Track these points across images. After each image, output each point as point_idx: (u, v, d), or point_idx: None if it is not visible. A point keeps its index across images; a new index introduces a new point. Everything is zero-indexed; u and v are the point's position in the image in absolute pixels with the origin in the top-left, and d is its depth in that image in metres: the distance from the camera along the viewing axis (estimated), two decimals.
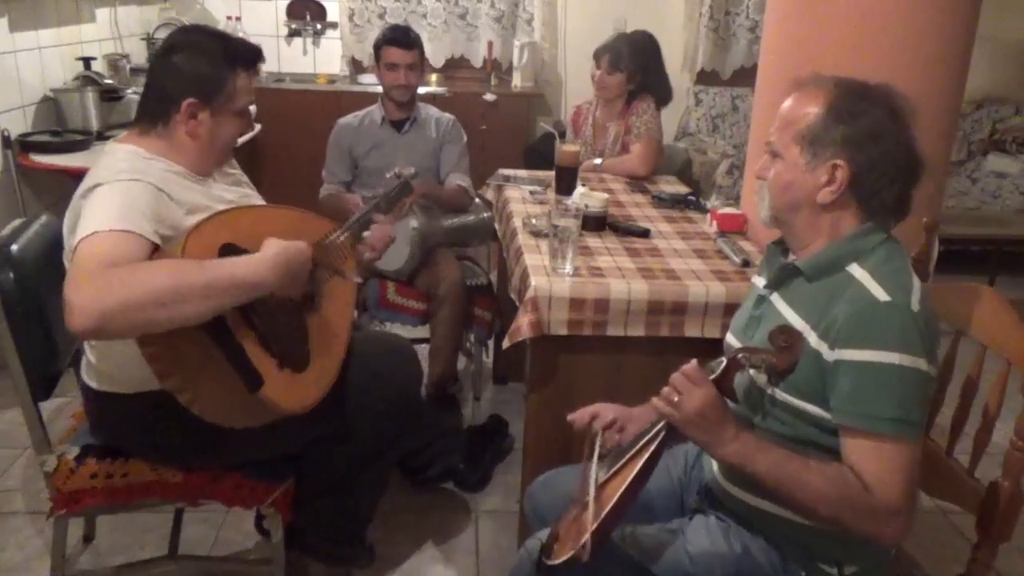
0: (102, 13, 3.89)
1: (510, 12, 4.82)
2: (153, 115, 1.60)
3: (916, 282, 1.25)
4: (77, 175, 3.21)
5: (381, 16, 4.74)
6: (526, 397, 2.00)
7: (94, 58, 3.62)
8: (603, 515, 1.24)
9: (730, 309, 1.81)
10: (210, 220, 1.49)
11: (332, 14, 4.78)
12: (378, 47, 2.85)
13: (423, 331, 2.74)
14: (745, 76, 4.76)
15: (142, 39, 4.32)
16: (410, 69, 2.81)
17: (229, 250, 1.46)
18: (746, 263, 1.98)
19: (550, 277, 1.84)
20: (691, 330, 1.84)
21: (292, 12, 4.78)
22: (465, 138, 3.00)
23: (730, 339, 1.47)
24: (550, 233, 1.88)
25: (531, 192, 2.61)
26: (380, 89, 2.94)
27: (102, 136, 3.32)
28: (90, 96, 3.34)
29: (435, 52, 4.77)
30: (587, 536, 1.23)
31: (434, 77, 4.62)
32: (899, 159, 1.26)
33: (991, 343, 1.47)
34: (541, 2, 4.76)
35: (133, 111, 3.50)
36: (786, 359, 1.23)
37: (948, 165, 2.26)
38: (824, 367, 1.22)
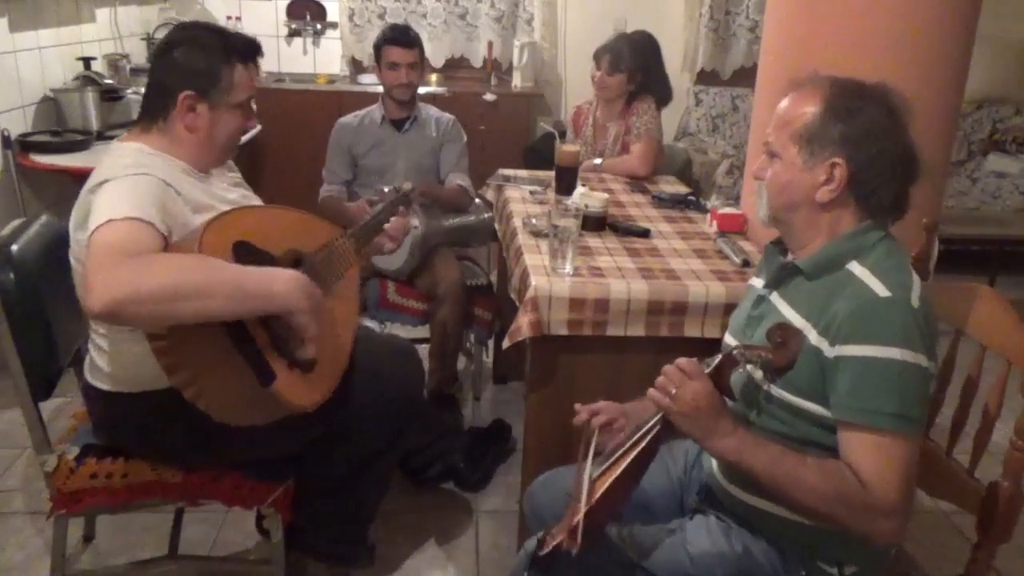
0: (102, 13, 3.89)
1: (510, 12, 4.82)
2: (153, 111, 1.61)
3: (916, 279, 1.25)
4: (77, 175, 3.25)
5: (381, 16, 4.74)
6: (526, 397, 2.00)
7: (94, 58, 3.62)
8: (592, 503, 1.25)
9: (730, 309, 1.81)
10: (224, 216, 1.50)
11: (332, 14, 4.78)
12: (378, 47, 2.86)
13: (423, 331, 2.74)
14: (745, 76, 4.76)
15: (142, 39, 4.32)
16: (411, 68, 2.81)
17: (243, 247, 1.47)
18: (746, 263, 1.98)
19: (550, 277, 1.84)
20: (691, 330, 1.84)
21: (292, 12, 4.78)
22: (465, 138, 3.00)
23: (728, 340, 1.47)
24: (550, 233, 1.88)
25: (531, 192, 2.61)
26: (380, 89, 2.94)
27: (102, 136, 3.32)
28: (90, 96, 3.34)
29: (435, 52, 4.77)
30: (575, 522, 1.24)
31: (434, 77, 4.62)
32: (897, 156, 1.26)
33: (991, 343, 1.47)
34: (541, 2, 4.76)
35: (133, 111, 3.55)
36: (783, 356, 1.23)
37: (948, 165, 2.26)
38: (824, 364, 1.23)
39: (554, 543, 1.28)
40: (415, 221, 2.60)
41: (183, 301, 1.30)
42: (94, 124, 3.34)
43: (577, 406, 1.52)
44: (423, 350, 2.39)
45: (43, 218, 1.87)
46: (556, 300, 1.80)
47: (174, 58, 1.59)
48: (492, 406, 2.96)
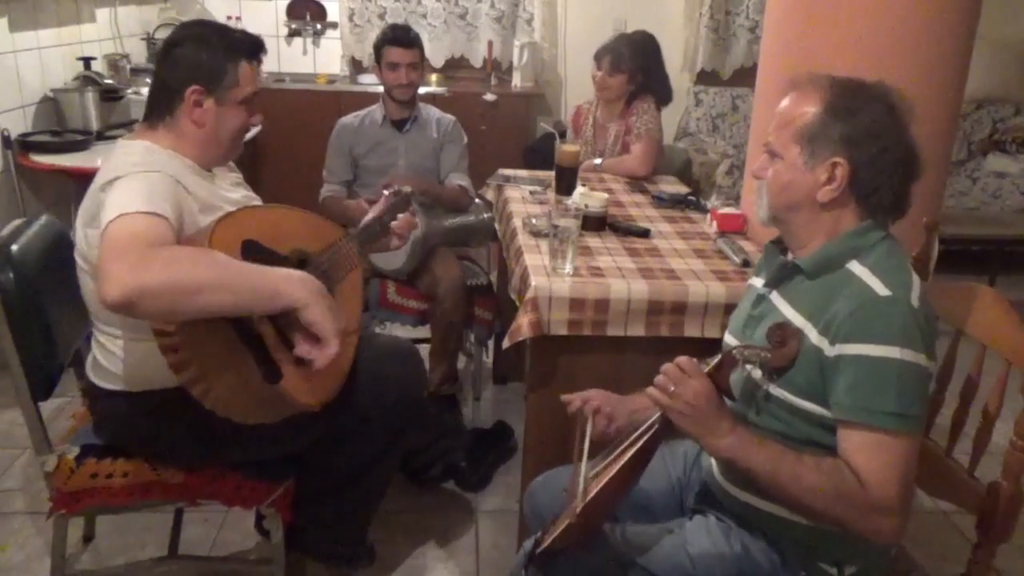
0: (102, 13, 3.89)
1: (510, 12, 4.82)
2: (160, 108, 1.62)
3: (915, 279, 1.25)
4: (77, 175, 3.25)
5: (381, 16, 4.74)
6: (526, 397, 2.00)
7: (94, 58, 3.62)
8: (588, 499, 1.25)
9: (730, 309, 1.81)
10: (233, 215, 1.52)
11: (332, 14, 4.78)
12: (379, 47, 2.86)
13: (423, 331, 2.74)
14: (745, 76, 4.76)
15: (142, 39, 4.32)
16: (411, 68, 2.81)
17: (251, 245, 1.48)
18: (746, 263, 1.98)
19: (550, 277, 1.84)
20: (691, 330, 1.84)
21: (292, 12, 4.78)
22: (466, 139, 3.00)
23: (728, 339, 1.48)
24: (550, 233, 1.88)
25: (531, 192, 2.61)
26: (380, 89, 2.94)
27: (102, 136, 3.32)
28: (90, 96, 3.34)
29: (435, 52, 4.77)
30: (569, 521, 1.24)
31: (434, 77, 4.62)
32: (898, 156, 1.26)
33: (991, 343, 1.47)
34: (541, 2, 4.76)
35: (133, 111, 3.56)
36: (782, 356, 1.24)
37: (948, 165, 2.25)
38: (824, 363, 1.23)
39: (551, 540, 1.28)
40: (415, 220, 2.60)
41: (198, 295, 1.31)
42: (94, 124, 3.34)
43: (564, 397, 1.52)
44: (423, 350, 2.38)
45: (43, 218, 1.87)
46: (556, 300, 1.80)
47: (180, 55, 1.60)
48: (492, 406, 2.96)
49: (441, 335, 2.65)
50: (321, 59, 4.87)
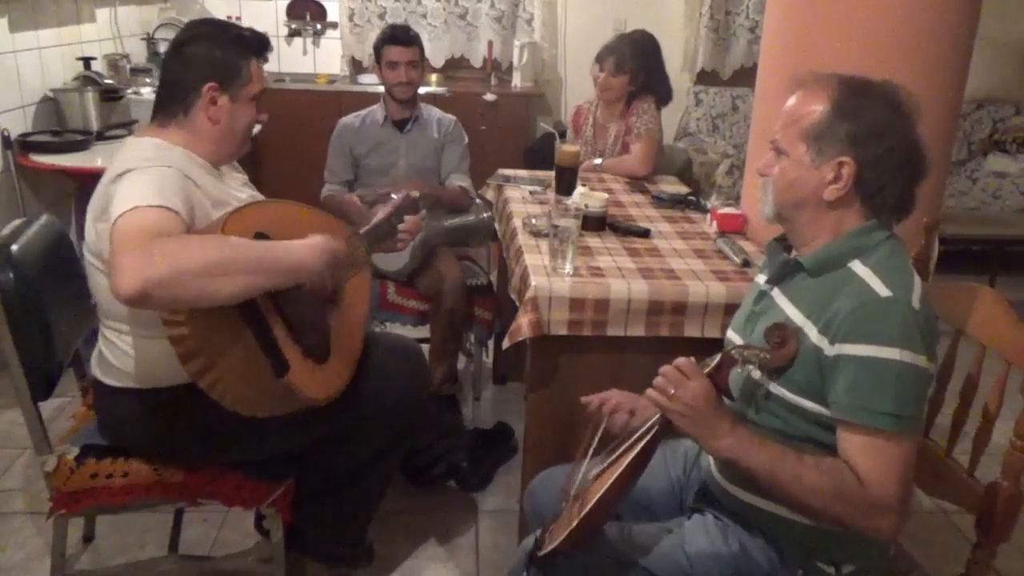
0: (102, 13, 3.89)
1: (510, 12, 4.82)
2: (173, 106, 1.62)
3: (917, 280, 1.25)
4: (77, 175, 3.25)
5: (381, 16, 4.74)
6: (526, 397, 2.00)
7: (94, 58, 3.62)
8: (591, 504, 1.26)
9: (730, 309, 1.81)
10: (244, 209, 1.54)
11: (332, 14, 4.78)
12: (378, 47, 2.86)
13: (423, 331, 2.74)
14: (745, 76, 4.76)
15: (142, 39, 4.32)
16: (411, 67, 2.81)
17: (261, 238, 1.49)
18: (746, 263, 1.98)
19: (550, 277, 1.84)
20: (691, 330, 1.84)
21: (292, 12, 4.78)
22: (466, 139, 3.00)
23: (731, 335, 1.48)
24: (550, 233, 1.88)
25: (531, 192, 2.61)
26: (381, 89, 2.94)
27: (102, 136, 3.32)
28: (90, 96, 3.34)
29: (435, 52, 4.77)
30: (574, 524, 1.24)
31: (434, 77, 4.62)
32: (904, 155, 1.26)
33: (991, 343, 1.47)
34: (541, 2, 4.76)
35: (133, 111, 3.56)
36: (780, 356, 1.24)
37: (948, 165, 2.26)
38: (824, 362, 1.23)
39: (552, 545, 1.28)
40: (394, 196, 2.60)
41: (214, 280, 1.32)
42: (94, 124, 3.34)
43: (584, 399, 1.53)
44: (423, 350, 2.39)
45: (43, 218, 1.87)
46: (556, 300, 1.80)
47: (193, 53, 1.61)
48: (492, 406, 2.96)
49: (441, 335, 2.65)
50: (321, 59, 4.87)
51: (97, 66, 3.64)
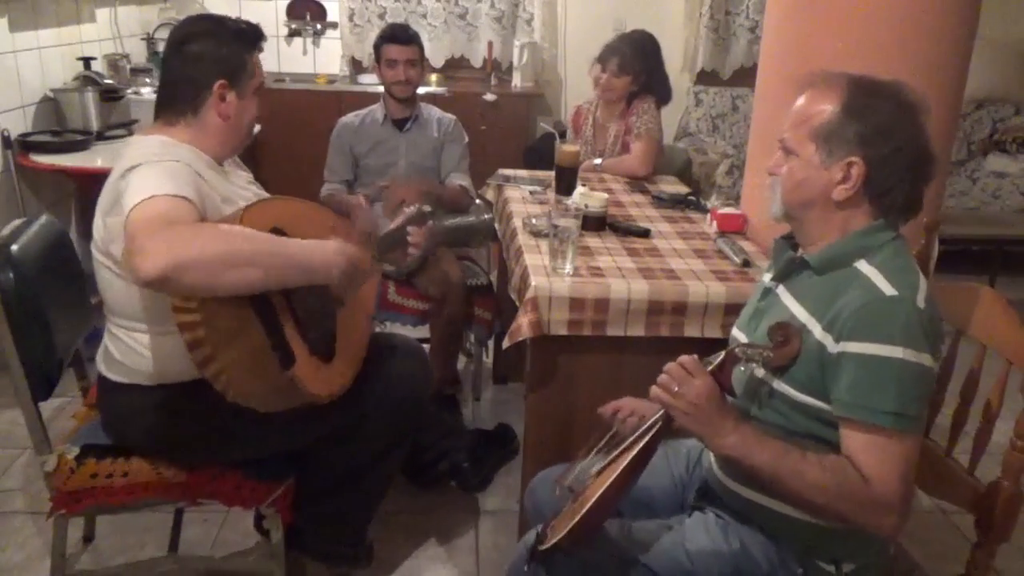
0: (102, 13, 3.89)
1: (510, 12, 4.82)
2: (181, 105, 1.62)
3: (922, 280, 1.26)
4: (77, 175, 3.26)
5: (381, 16, 4.74)
6: (526, 397, 2.00)
7: (94, 58, 3.62)
8: (593, 501, 1.26)
9: (730, 309, 1.82)
10: (261, 203, 1.56)
11: (332, 14, 4.78)
12: (377, 46, 2.87)
13: (423, 331, 2.74)
14: (745, 76, 4.76)
15: (142, 39, 4.32)
16: (410, 65, 2.82)
17: (277, 233, 1.50)
18: (746, 263, 1.98)
19: (550, 277, 1.84)
20: (691, 330, 1.84)
21: (292, 12, 4.78)
22: (466, 139, 3.00)
23: (735, 332, 1.48)
24: (550, 233, 1.89)
25: (531, 192, 2.61)
26: (381, 89, 2.95)
27: (102, 136, 3.32)
28: (90, 96, 3.34)
29: (435, 52, 4.77)
30: (575, 521, 1.25)
31: (434, 77, 4.62)
32: (912, 156, 1.27)
33: (991, 343, 1.47)
34: (541, 2, 4.76)
35: (133, 111, 3.56)
36: (783, 355, 1.25)
37: (948, 165, 2.26)
38: (827, 359, 1.23)
39: (553, 541, 1.29)
40: (406, 210, 2.60)
41: (236, 270, 1.33)
42: (94, 124, 3.34)
43: (600, 409, 1.56)
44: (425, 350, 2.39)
45: (43, 218, 1.87)
46: (556, 300, 1.80)
47: (198, 50, 1.61)
48: (492, 406, 2.96)
49: (441, 335, 2.65)
50: (321, 59, 4.87)
51: (97, 66, 3.64)
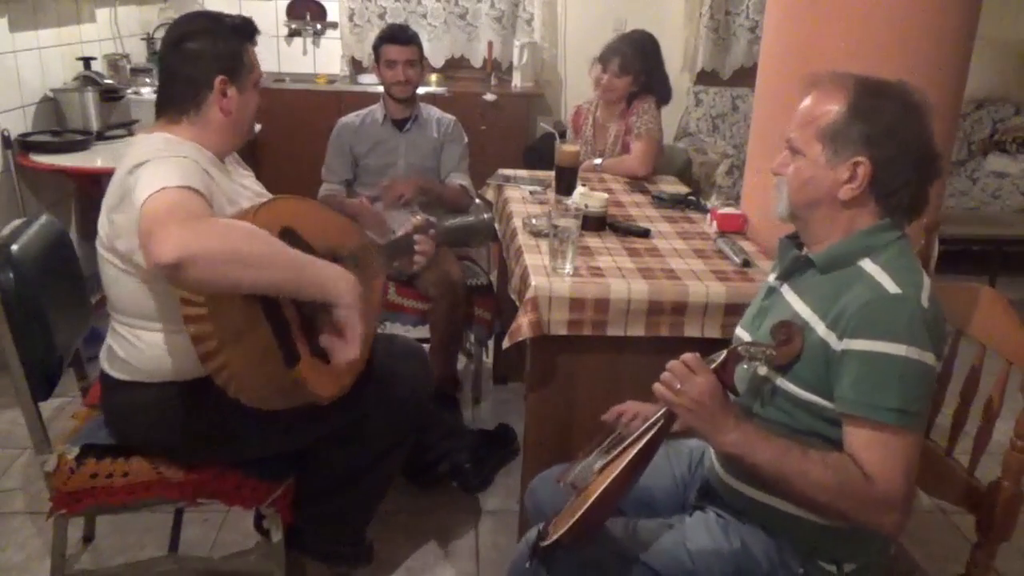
0: (102, 13, 3.89)
1: (510, 12, 4.82)
2: (183, 103, 1.62)
3: (926, 280, 1.26)
4: (77, 175, 3.25)
5: (381, 16, 4.74)
6: (526, 397, 2.00)
7: (94, 58, 3.62)
8: (594, 497, 1.27)
9: (730, 309, 1.82)
10: (272, 202, 1.57)
11: (332, 14, 4.78)
12: (376, 46, 2.87)
13: (423, 331, 2.74)
14: (745, 76, 4.76)
15: (142, 39, 4.32)
16: (409, 65, 2.82)
17: (289, 234, 1.51)
18: (746, 263, 1.98)
19: (550, 277, 1.84)
20: (691, 330, 1.84)
21: (292, 12, 4.78)
22: (466, 139, 3.00)
23: (739, 331, 1.49)
24: (550, 233, 1.89)
25: (531, 192, 2.61)
26: (380, 89, 2.94)
27: (102, 136, 3.32)
28: (90, 96, 3.34)
29: (435, 52, 4.77)
30: (577, 517, 1.25)
31: (434, 77, 4.62)
32: (918, 156, 1.27)
33: (991, 343, 1.47)
34: (541, 2, 4.76)
35: (133, 111, 3.56)
36: (785, 353, 1.26)
37: (948, 165, 2.26)
38: (831, 357, 1.24)
39: (556, 535, 1.29)
40: (411, 220, 2.60)
41: (249, 268, 1.34)
42: (94, 124, 3.34)
43: (604, 417, 1.56)
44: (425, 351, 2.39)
45: (43, 218, 1.87)
46: (556, 300, 1.80)
47: (197, 48, 1.62)
48: (492, 406, 2.96)
49: (441, 335, 2.65)
50: (321, 59, 4.87)
51: (97, 66, 3.64)
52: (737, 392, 1.34)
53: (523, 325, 1.80)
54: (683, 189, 2.77)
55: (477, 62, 4.89)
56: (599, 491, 1.27)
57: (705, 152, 4.40)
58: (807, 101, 1.34)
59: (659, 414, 1.30)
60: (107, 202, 1.55)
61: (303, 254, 1.45)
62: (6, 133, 3.05)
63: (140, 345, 1.61)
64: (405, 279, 2.69)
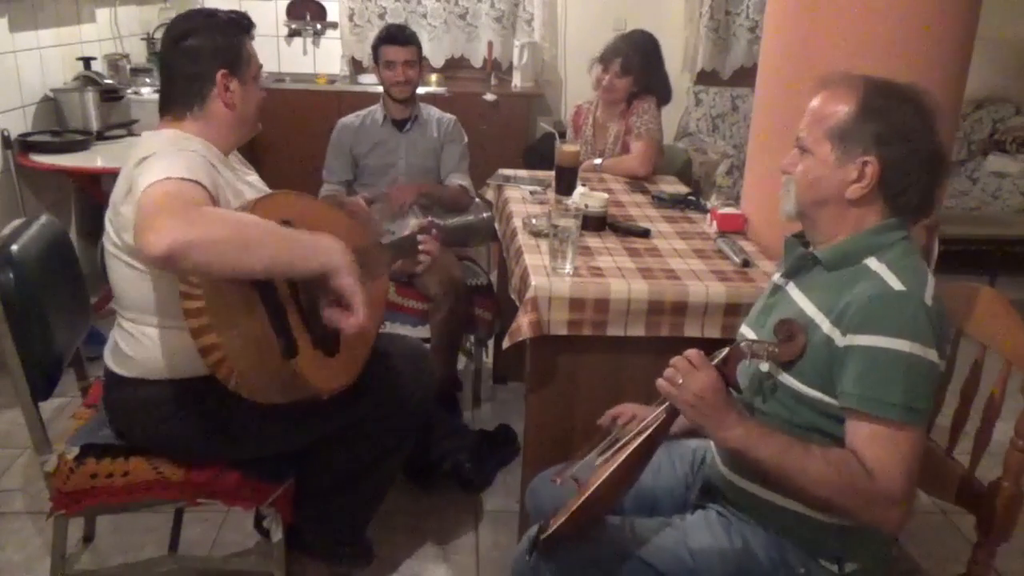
0: (102, 13, 3.89)
1: (510, 12, 4.82)
2: (186, 99, 1.63)
3: (931, 279, 1.27)
4: (77, 175, 3.26)
5: (381, 16, 4.74)
6: (526, 397, 2.00)
7: (94, 58, 3.62)
8: (595, 486, 1.28)
9: (730, 309, 1.82)
10: (272, 196, 1.58)
11: (332, 14, 4.78)
12: (375, 47, 2.87)
13: (423, 331, 2.73)
14: (745, 76, 4.76)
15: (142, 39, 4.32)
16: (408, 66, 2.82)
17: (287, 226, 1.50)
18: (746, 263, 1.98)
19: (550, 277, 1.84)
20: (691, 330, 1.84)
21: (292, 12, 4.78)
22: (466, 139, 3.00)
23: (743, 329, 1.50)
24: (550, 233, 1.88)
25: (531, 192, 2.61)
26: (380, 89, 2.94)
27: (102, 136, 3.33)
28: (90, 96, 3.34)
29: (435, 52, 4.77)
30: (577, 505, 1.25)
31: (434, 77, 4.62)
32: (926, 157, 1.28)
33: (991, 343, 1.47)
34: (541, 2, 4.76)
35: (133, 111, 3.56)
36: (788, 351, 1.27)
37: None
38: (835, 353, 1.24)
39: (557, 524, 1.30)
40: (413, 221, 2.60)
41: (241, 250, 1.34)
42: (94, 124, 3.35)
43: (600, 421, 1.57)
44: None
45: (43, 218, 1.87)
46: (556, 300, 1.80)
47: (196, 45, 1.62)
48: (492, 406, 2.96)
49: (441, 335, 2.65)
50: (321, 59, 4.87)
51: (97, 66, 3.65)
52: (740, 389, 1.35)
53: (523, 325, 1.80)
54: (683, 189, 2.77)
55: (477, 62, 4.89)
56: (600, 481, 1.28)
57: (705, 152, 4.40)
58: (817, 101, 1.35)
59: (661, 408, 1.31)
60: (114, 196, 1.56)
61: (293, 229, 1.46)
62: (6, 133, 3.05)
63: (145, 341, 1.61)
64: (406, 280, 2.69)
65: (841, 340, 1.23)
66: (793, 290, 1.39)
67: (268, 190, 1.81)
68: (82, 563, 2.08)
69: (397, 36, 2.82)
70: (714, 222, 2.25)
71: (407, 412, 1.83)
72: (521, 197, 2.57)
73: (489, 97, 4.52)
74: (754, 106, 2.37)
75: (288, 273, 1.46)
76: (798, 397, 1.29)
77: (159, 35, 4.22)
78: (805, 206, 1.36)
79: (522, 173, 2.86)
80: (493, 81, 4.75)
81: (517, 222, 2.27)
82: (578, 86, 4.79)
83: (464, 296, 2.64)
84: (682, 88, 4.77)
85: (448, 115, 3.00)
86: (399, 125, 2.91)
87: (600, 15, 4.79)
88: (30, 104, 3.28)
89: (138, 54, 4.22)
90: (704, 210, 2.45)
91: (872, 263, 1.28)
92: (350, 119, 2.95)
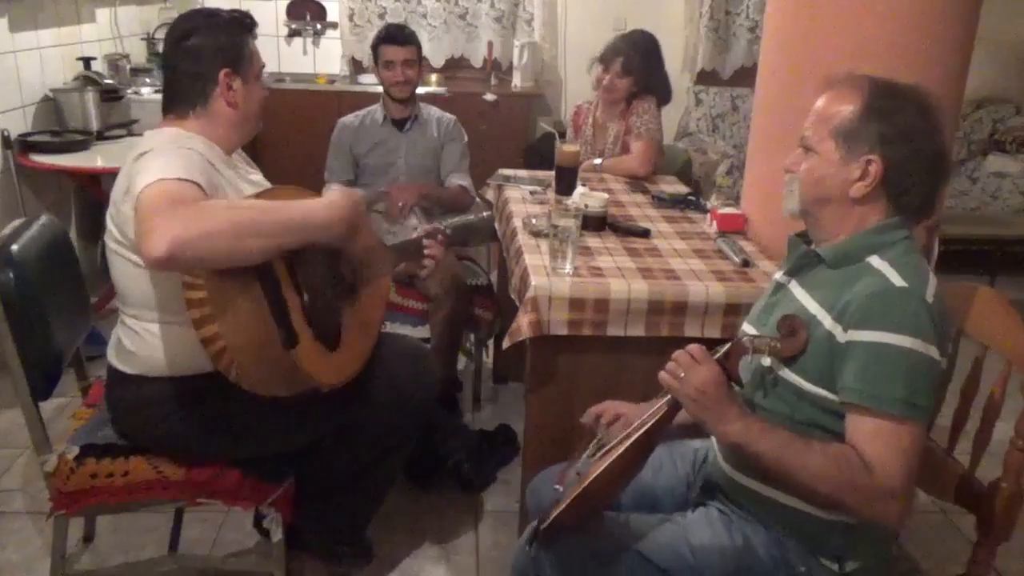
0: (102, 13, 3.89)
1: (510, 12, 4.82)
2: (189, 98, 1.64)
3: (932, 278, 1.28)
4: (77, 175, 3.25)
5: (381, 16, 4.74)
6: (526, 397, 2.00)
7: (94, 58, 3.62)
8: (594, 475, 1.28)
9: (730, 309, 1.82)
10: (273, 190, 1.59)
11: (332, 14, 4.78)
12: (375, 47, 2.87)
13: (423, 331, 2.73)
14: (745, 76, 4.76)
15: (142, 39, 4.32)
16: (407, 65, 2.82)
17: None
18: (746, 263, 1.98)
19: (550, 277, 1.84)
20: (691, 330, 1.84)
21: (292, 12, 4.78)
22: (466, 138, 3.00)
23: (745, 326, 1.50)
24: (550, 233, 1.89)
25: (531, 192, 2.61)
26: (380, 89, 2.94)
27: (102, 136, 3.33)
28: (90, 96, 3.35)
29: (435, 52, 4.77)
30: (576, 493, 1.26)
31: (434, 77, 4.62)
32: (930, 157, 1.29)
33: (991, 343, 1.47)
34: (541, 2, 4.76)
35: (133, 111, 3.56)
36: (790, 346, 1.27)
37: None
38: (836, 349, 1.24)
39: (557, 511, 1.30)
40: (413, 221, 2.61)
41: (240, 240, 1.35)
42: (94, 124, 3.35)
43: (583, 419, 1.57)
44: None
45: (43, 218, 1.87)
46: (556, 300, 1.80)
47: (198, 44, 1.63)
48: (492, 406, 2.96)
49: (441, 335, 2.65)
50: (321, 59, 4.87)
51: (97, 66, 3.65)
52: (741, 384, 1.36)
53: (523, 325, 1.80)
54: (683, 189, 2.77)
55: (477, 62, 4.89)
56: (599, 471, 1.28)
57: (705, 152, 4.40)
58: (822, 100, 1.36)
59: (662, 402, 1.31)
60: (115, 193, 1.57)
61: (284, 202, 1.47)
62: (6, 133, 3.05)
63: (148, 338, 1.61)
64: (407, 280, 2.69)
65: (843, 336, 1.24)
66: (795, 288, 1.39)
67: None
68: (82, 563, 2.08)
69: (396, 36, 2.82)
70: (714, 222, 2.25)
71: (407, 412, 1.83)
72: (521, 197, 2.57)
73: (489, 97, 4.52)
74: (754, 106, 2.37)
75: (291, 245, 1.48)
76: (799, 393, 1.30)
77: (159, 35, 4.23)
78: (808, 204, 1.37)
79: (522, 173, 2.86)
80: (493, 81, 4.75)
81: (517, 222, 2.27)
82: (578, 86, 4.79)
83: (464, 296, 2.64)
84: (682, 88, 4.77)
85: (448, 115, 3.00)
86: (399, 125, 2.91)
87: (600, 15, 4.79)
88: (30, 104, 3.28)
89: (138, 54, 4.22)
90: (704, 210, 2.45)
91: (874, 261, 1.29)
92: (350, 119, 2.96)
